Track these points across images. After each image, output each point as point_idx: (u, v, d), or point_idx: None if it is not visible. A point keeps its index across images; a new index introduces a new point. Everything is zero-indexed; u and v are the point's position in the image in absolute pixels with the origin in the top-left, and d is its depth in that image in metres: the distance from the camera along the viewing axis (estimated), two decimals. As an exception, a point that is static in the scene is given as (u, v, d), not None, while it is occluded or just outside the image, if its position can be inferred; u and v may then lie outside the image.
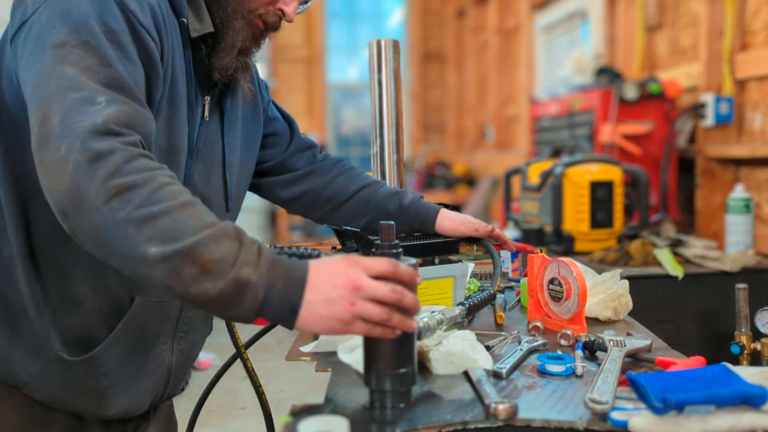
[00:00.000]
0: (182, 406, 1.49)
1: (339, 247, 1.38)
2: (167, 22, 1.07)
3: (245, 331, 1.41)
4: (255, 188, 1.48)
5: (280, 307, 0.83)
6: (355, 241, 1.27)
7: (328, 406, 0.92)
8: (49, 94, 0.89)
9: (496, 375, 1.04)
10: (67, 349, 1.11)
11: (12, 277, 1.09)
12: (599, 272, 1.53)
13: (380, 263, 0.86)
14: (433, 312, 1.06)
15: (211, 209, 0.99)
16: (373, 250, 0.95)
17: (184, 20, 1.11)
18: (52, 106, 0.88)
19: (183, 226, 0.81)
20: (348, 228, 1.28)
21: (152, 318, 1.18)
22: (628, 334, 1.17)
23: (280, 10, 1.22)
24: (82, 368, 1.13)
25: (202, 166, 1.21)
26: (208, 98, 1.20)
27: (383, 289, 0.84)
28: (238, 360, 1.37)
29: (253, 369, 1.35)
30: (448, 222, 1.41)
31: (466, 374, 1.04)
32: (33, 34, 0.97)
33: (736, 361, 1.49)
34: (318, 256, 1.28)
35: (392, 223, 0.95)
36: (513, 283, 1.72)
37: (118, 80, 0.94)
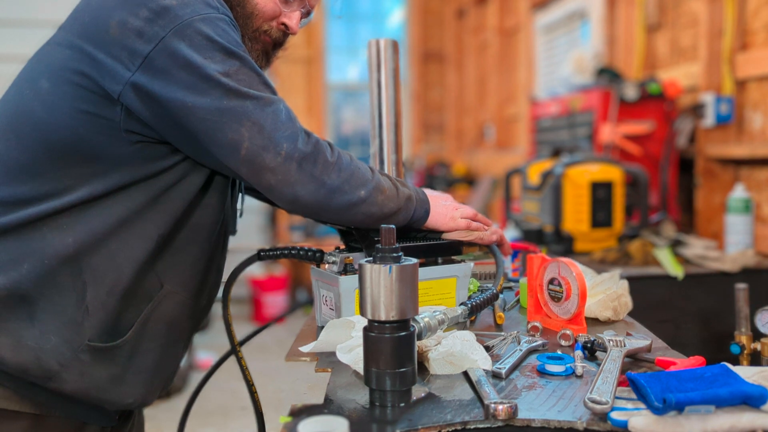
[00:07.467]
0: (182, 406, 1.50)
1: (342, 246, 1.38)
2: None
3: (242, 331, 1.42)
4: (257, 193, 1.48)
5: (421, 208, 1.30)
6: (360, 241, 1.27)
7: (328, 406, 0.93)
8: (246, 112, 1.09)
9: (495, 375, 1.04)
10: (100, 336, 1.14)
11: (54, 269, 1.11)
12: (599, 272, 1.53)
13: (466, 209, 1.38)
14: (434, 312, 1.06)
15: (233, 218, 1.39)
16: (373, 253, 0.95)
17: None
18: (258, 121, 1.09)
19: (364, 176, 1.21)
20: (353, 228, 1.28)
21: (178, 313, 1.23)
22: (628, 334, 1.17)
23: (283, 24, 1.25)
24: (112, 354, 1.15)
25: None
26: None
27: (469, 211, 1.37)
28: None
29: (246, 368, 1.35)
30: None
31: (465, 374, 1.04)
32: (176, 65, 1.06)
33: (736, 361, 1.48)
34: (321, 255, 1.29)
35: (393, 227, 0.94)
36: (512, 283, 1.72)
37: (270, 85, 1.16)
